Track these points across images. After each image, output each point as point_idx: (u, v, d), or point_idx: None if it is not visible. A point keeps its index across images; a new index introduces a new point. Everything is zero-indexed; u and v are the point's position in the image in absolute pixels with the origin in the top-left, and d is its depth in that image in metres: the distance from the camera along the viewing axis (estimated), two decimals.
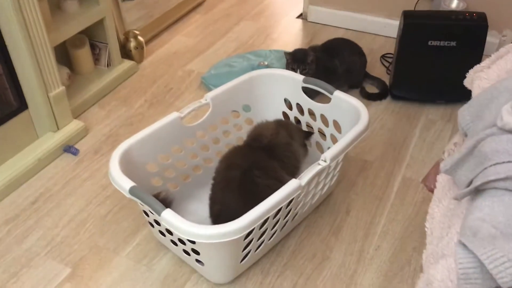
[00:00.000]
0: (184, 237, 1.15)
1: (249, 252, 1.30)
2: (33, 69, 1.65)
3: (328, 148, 1.55)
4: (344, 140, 1.36)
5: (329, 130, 1.62)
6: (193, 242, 1.19)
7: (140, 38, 2.29)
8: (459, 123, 0.97)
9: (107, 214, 1.57)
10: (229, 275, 1.35)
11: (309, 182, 1.29)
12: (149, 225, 1.43)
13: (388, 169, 1.72)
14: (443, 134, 1.87)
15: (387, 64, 2.25)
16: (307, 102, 1.64)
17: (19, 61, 1.63)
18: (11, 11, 1.52)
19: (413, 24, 1.87)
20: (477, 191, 0.80)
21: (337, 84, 1.66)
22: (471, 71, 1.19)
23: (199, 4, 2.79)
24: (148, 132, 1.42)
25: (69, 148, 1.80)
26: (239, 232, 1.13)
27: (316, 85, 1.59)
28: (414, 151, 1.79)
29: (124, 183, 1.23)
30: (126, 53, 2.26)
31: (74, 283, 1.37)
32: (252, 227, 1.16)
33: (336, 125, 1.58)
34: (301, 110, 1.69)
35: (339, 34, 2.45)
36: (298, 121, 1.73)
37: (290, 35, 2.54)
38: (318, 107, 1.62)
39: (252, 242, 1.27)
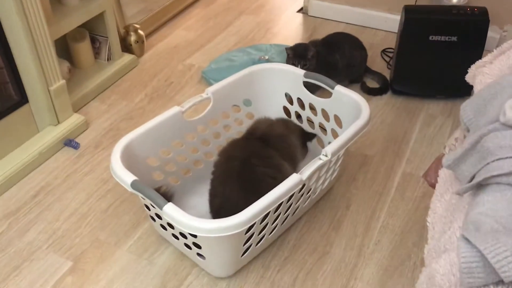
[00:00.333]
0: (186, 231, 1.15)
1: (250, 246, 1.31)
2: (34, 63, 1.65)
3: (329, 142, 1.55)
4: (345, 135, 1.36)
5: (330, 125, 1.62)
6: (195, 236, 1.20)
7: (140, 32, 2.28)
8: (461, 118, 0.97)
9: (108, 208, 1.58)
10: (230, 269, 1.35)
11: (310, 177, 1.29)
12: (150, 219, 1.43)
13: (388, 164, 1.72)
14: (443, 129, 1.87)
15: (387, 59, 2.25)
16: (308, 97, 1.64)
17: (20, 54, 1.63)
18: (12, 5, 1.52)
19: (414, 19, 1.87)
20: (480, 186, 0.81)
21: (338, 79, 1.66)
22: (473, 66, 1.19)
23: None
24: (149, 126, 1.42)
25: (69, 142, 1.80)
26: (240, 226, 1.13)
27: (317, 80, 1.59)
28: (414, 146, 1.79)
29: (126, 177, 1.23)
30: (126, 47, 2.26)
31: (75, 277, 1.38)
32: (254, 221, 1.16)
33: (337, 119, 1.59)
34: (302, 105, 1.69)
35: (340, 28, 2.45)
36: (298, 116, 1.73)
37: (290, 29, 2.53)
38: (319, 101, 1.62)
39: (253, 236, 1.27)
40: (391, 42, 2.27)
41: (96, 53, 2.18)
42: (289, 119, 1.72)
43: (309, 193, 1.44)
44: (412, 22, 1.87)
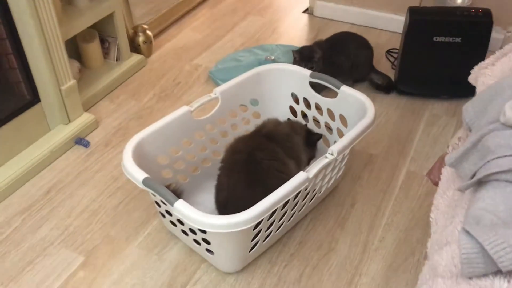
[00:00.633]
0: (196, 227, 1.19)
1: (257, 242, 1.34)
2: (46, 63, 1.69)
3: (334, 141, 1.58)
4: (350, 134, 1.39)
5: (335, 124, 1.65)
6: (204, 232, 1.23)
7: (148, 32, 2.32)
8: (463, 118, 1.01)
9: (118, 205, 1.61)
10: (238, 264, 1.39)
11: (316, 175, 1.32)
12: (160, 216, 1.47)
13: (392, 163, 1.75)
14: (447, 129, 1.90)
15: (392, 59, 2.28)
16: (314, 97, 1.67)
17: (32, 55, 1.67)
18: (26, 7, 1.56)
19: (419, 20, 1.90)
20: (480, 183, 0.85)
21: (343, 78, 1.69)
22: (475, 68, 1.22)
23: None
24: (159, 125, 1.46)
25: (80, 140, 1.84)
26: (249, 222, 1.17)
27: (323, 80, 1.62)
28: (418, 145, 1.82)
29: (138, 174, 1.27)
30: (134, 47, 2.29)
31: (87, 271, 1.41)
32: (261, 218, 1.19)
33: (343, 119, 1.62)
34: (308, 105, 1.72)
35: (345, 29, 2.48)
36: (304, 115, 1.76)
37: (296, 30, 2.56)
38: (324, 101, 1.65)
39: (260, 233, 1.30)
40: (396, 43, 2.29)
41: (105, 53, 2.21)
42: (296, 121, 1.75)
43: (315, 191, 1.47)
44: (417, 23, 1.90)
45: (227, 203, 1.41)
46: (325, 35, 2.23)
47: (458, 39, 1.87)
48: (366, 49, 2.10)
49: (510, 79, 0.95)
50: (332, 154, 1.34)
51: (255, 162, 1.42)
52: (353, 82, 2.08)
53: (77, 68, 2.06)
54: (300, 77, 1.68)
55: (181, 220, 1.27)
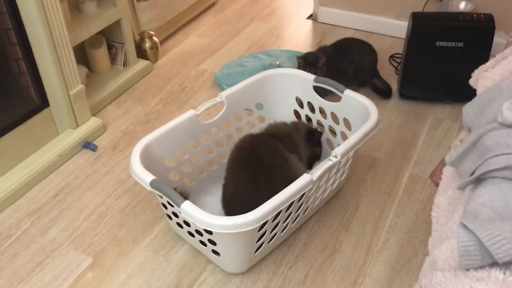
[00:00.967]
0: (202, 228, 1.21)
1: (263, 244, 1.36)
2: (55, 68, 1.72)
3: (338, 144, 1.60)
4: (354, 137, 1.41)
5: (339, 128, 1.67)
6: (210, 233, 1.25)
7: (155, 38, 2.35)
8: (463, 119, 1.03)
9: (125, 207, 1.64)
10: (244, 265, 1.41)
11: (320, 177, 1.34)
12: (167, 218, 1.49)
13: (396, 166, 1.77)
14: (450, 132, 1.92)
15: (395, 64, 2.30)
16: (318, 101, 1.70)
17: (42, 60, 1.71)
18: (36, 13, 1.59)
19: (422, 26, 1.92)
20: (479, 181, 0.87)
21: (346, 83, 1.72)
22: (476, 71, 1.24)
23: (212, 5, 2.85)
24: (166, 128, 1.48)
25: (88, 145, 1.87)
26: (254, 223, 1.19)
27: (327, 84, 1.64)
28: (421, 149, 1.84)
29: (145, 177, 1.30)
30: (141, 53, 2.33)
31: (95, 272, 1.44)
32: (266, 219, 1.22)
33: (346, 122, 1.64)
34: (312, 109, 1.74)
35: (349, 34, 2.50)
36: (309, 119, 1.79)
37: (300, 36, 2.59)
38: (328, 105, 1.67)
39: (265, 234, 1.33)
40: (399, 48, 2.32)
41: (113, 59, 2.25)
42: (301, 121, 1.78)
43: (320, 193, 1.49)
44: (420, 29, 1.92)
45: (232, 200, 1.44)
46: (329, 40, 2.26)
47: (460, 44, 1.89)
48: (370, 54, 2.12)
49: (508, 81, 0.97)
50: (336, 157, 1.36)
51: (258, 158, 1.45)
52: (357, 86, 2.10)
53: (85, 74, 2.09)
54: (304, 81, 1.70)
55: (187, 221, 1.30)
